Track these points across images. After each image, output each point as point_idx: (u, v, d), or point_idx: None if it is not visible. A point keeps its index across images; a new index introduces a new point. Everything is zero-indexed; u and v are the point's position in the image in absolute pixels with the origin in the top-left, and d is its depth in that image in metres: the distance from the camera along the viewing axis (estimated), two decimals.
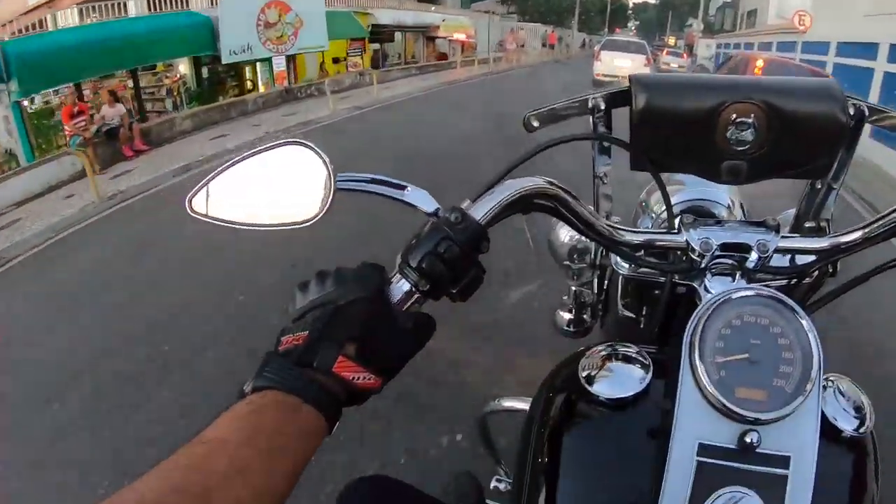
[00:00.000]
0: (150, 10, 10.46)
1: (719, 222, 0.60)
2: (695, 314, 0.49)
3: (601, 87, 0.80)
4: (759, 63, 7.20)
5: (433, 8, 20.88)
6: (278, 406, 0.39)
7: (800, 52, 12.28)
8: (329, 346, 0.42)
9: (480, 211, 0.50)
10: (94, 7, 9.89)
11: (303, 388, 0.40)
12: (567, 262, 0.92)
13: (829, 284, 0.64)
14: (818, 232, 0.69)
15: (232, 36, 10.82)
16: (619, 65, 13.70)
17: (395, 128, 8.64)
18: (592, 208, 0.64)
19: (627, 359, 0.56)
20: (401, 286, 0.48)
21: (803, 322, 0.47)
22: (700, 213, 0.84)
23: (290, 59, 13.16)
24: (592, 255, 0.89)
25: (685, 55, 26.75)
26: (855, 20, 9.41)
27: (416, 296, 0.48)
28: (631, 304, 0.83)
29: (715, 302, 0.49)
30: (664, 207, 0.71)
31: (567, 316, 1.00)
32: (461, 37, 20.60)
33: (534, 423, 0.60)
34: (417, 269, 0.47)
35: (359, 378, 0.42)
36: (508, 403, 0.95)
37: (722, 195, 0.91)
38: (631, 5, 72.16)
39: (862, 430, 0.51)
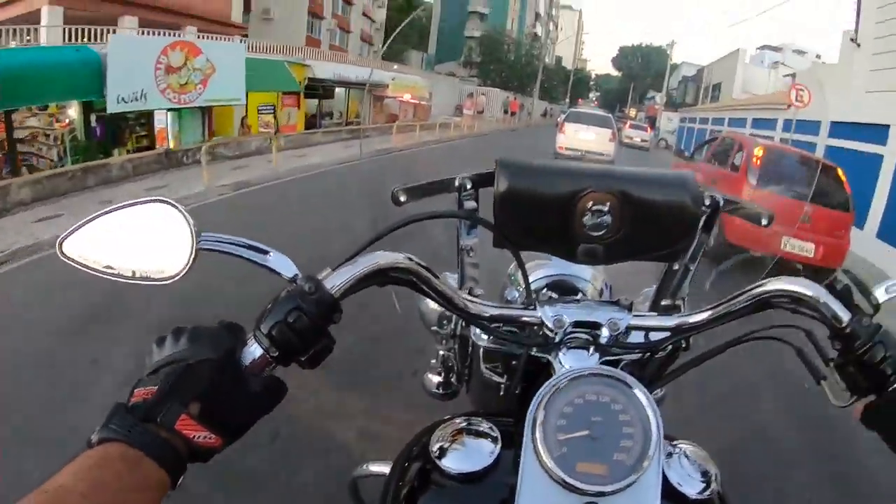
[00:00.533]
0: (66, 40, 9.39)
1: (574, 300, 0.64)
2: (539, 393, 0.51)
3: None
4: (758, 152, 5.36)
5: (395, 66, 19.64)
6: (122, 459, 0.40)
7: (780, 129, 11.18)
8: (174, 403, 0.43)
9: (336, 282, 0.51)
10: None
11: (146, 442, 0.41)
12: (434, 328, 0.92)
13: (685, 356, 0.66)
14: (673, 310, 0.74)
15: (122, 79, 8.93)
16: (584, 138, 12.86)
17: (270, 219, 6.21)
18: (451, 282, 0.75)
19: (478, 432, 0.57)
20: (253, 350, 0.49)
21: (642, 398, 0.50)
22: (563, 289, 0.90)
23: (206, 112, 11.20)
24: (453, 326, 0.89)
25: (649, 129, 26.38)
26: (852, 96, 8.13)
27: (267, 360, 0.49)
28: (493, 372, 0.78)
29: (557, 382, 0.52)
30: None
31: (436, 379, 1.01)
32: (409, 98, 18.38)
33: (388, 495, 0.60)
34: (268, 336, 0.48)
35: (199, 437, 0.44)
36: (376, 468, 0.94)
37: (586, 272, 0.96)
38: (593, 76, 74.63)
39: (707, 493, 0.54)
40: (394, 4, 32.85)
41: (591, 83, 71.65)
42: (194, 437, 0.43)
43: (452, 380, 1.01)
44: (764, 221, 0.78)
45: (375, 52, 32.07)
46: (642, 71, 61.28)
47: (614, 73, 73.10)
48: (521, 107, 34.23)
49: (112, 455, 0.40)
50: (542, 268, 0.95)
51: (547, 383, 0.52)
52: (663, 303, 0.76)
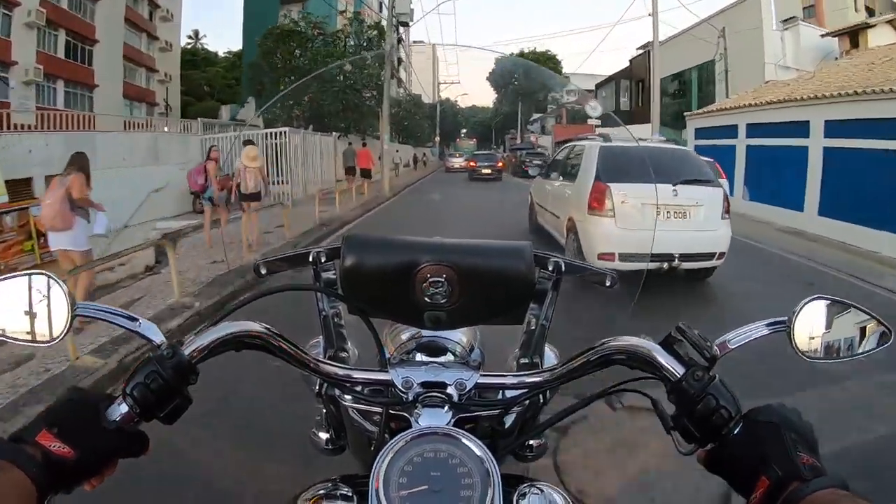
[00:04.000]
0: None
1: (427, 362, 0.75)
2: (380, 455, 0.55)
3: None
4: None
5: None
6: None
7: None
8: (38, 422, 0.52)
9: (193, 346, 0.58)
10: None
11: (8, 451, 0.48)
12: (312, 388, 0.90)
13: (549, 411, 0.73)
14: (532, 367, 0.79)
15: None
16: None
17: None
18: (312, 346, 0.84)
19: (336, 495, 0.61)
20: (120, 406, 0.55)
21: (479, 452, 0.55)
22: (432, 350, 0.89)
23: None
24: (316, 388, 0.86)
25: (500, 163, 25.79)
26: None
27: (131, 415, 0.55)
28: (364, 426, 0.81)
29: (398, 442, 0.56)
30: (398, 342, 0.92)
31: (323, 435, 1.00)
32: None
33: None
34: (131, 395, 0.54)
35: (55, 447, 0.50)
36: None
37: (455, 334, 0.94)
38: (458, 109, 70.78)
39: None
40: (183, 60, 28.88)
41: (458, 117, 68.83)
42: (51, 446, 0.50)
43: (335, 436, 0.99)
44: (608, 283, 0.80)
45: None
46: (528, 83, 49.37)
47: (480, 104, 71.57)
48: (377, 159, 17.91)
49: None
50: (412, 329, 0.95)
51: (386, 445, 0.56)
52: (522, 360, 0.80)
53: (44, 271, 0.57)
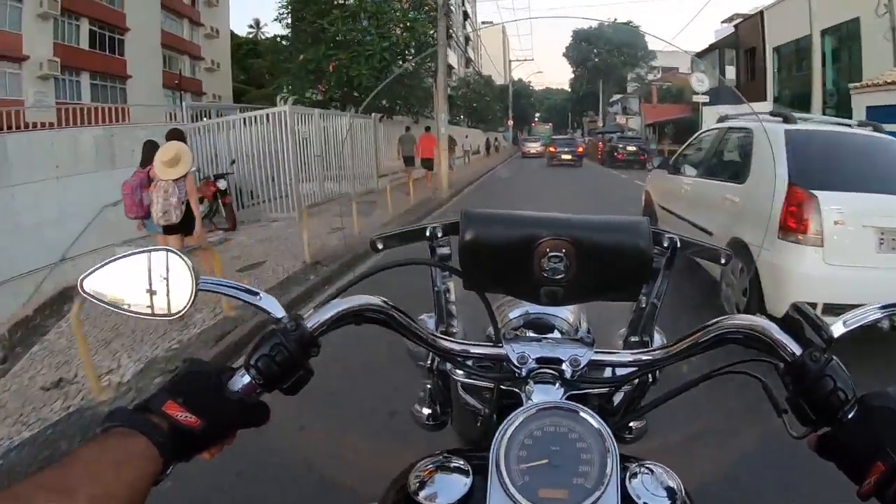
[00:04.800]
0: None
1: (541, 338, 0.70)
2: (500, 428, 0.56)
3: None
4: None
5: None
6: (118, 437, 0.48)
7: None
8: (163, 394, 0.53)
9: (316, 320, 0.59)
10: None
11: (136, 421, 0.49)
12: (420, 363, 0.94)
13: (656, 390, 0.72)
14: (640, 346, 0.80)
15: None
16: None
17: None
18: (430, 322, 0.86)
19: (451, 468, 0.60)
20: (242, 377, 0.56)
21: (598, 427, 0.55)
22: (539, 327, 0.91)
23: None
24: (429, 362, 0.90)
25: (580, 149, 24.37)
26: None
27: (254, 386, 0.56)
28: (472, 403, 0.85)
29: (516, 416, 0.56)
30: (505, 320, 0.94)
31: (425, 411, 1.04)
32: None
33: None
34: (254, 366, 0.56)
35: (181, 416, 0.52)
36: None
37: (562, 311, 0.96)
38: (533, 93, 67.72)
39: None
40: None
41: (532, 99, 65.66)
42: (178, 416, 0.51)
43: (439, 411, 1.03)
44: (723, 260, 0.80)
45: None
46: (609, 58, 43.43)
47: (555, 86, 67.98)
48: (453, 143, 15.66)
49: (111, 435, 0.48)
50: (520, 307, 0.97)
51: (507, 419, 0.57)
52: (632, 339, 0.81)
53: (168, 247, 0.59)
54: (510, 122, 46.25)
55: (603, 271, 0.66)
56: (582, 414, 0.56)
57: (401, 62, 15.01)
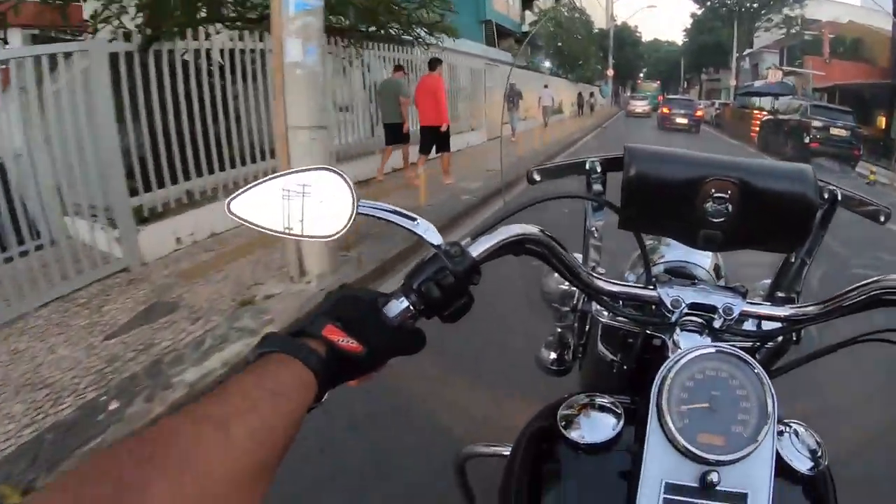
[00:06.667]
0: None
1: (692, 283, 0.66)
2: (664, 367, 0.54)
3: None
4: None
5: None
6: (275, 361, 0.46)
7: None
8: (322, 317, 0.51)
9: (477, 248, 0.56)
10: None
11: (294, 347, 0.48)
12: (555, 305, 0.96)
13: (795, 352, 0.69)
14: (787, 302, 0.73)
15: None
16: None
17: None
18: (579, 258, 0.76)
19: (602, 408, 0.60)
20: (400, 302, 0.53)
21: (759, 376, 0.53)
22: (681, 274, 0.89)
23: None
24: (575, 301, 0.93)
25: (699, 112, 20.36)
26: None
27: (411, 312, 0.53)
28: (608, 349, 0.85)
29: (681, 357, 0.54)
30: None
31: (551, 355, 1.03)
32: None
33: (514, 466, 0.64)
34: (416, 290, 0.53)
35: (343, 341, 0.50)
36: (486, 449, 1.00)
37: (704, 259, 0.94)
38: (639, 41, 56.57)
39: (816, 471, 0.55)
40: None
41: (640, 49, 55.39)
42: (339, 340, 0.49)
43: (567, 356, 1.03)
44: (882, 218, 0.75)
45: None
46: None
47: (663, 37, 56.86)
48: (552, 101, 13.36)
49: (268, 360, 0.46)
50: (664, 252, 0.95)
51: (672, 356, 0.55)
52: (778, 294, 0.76)
53: (332, 167, 0.56)
54: (610, 73, 37.66)
55: (764, 218, 0.62)
56: (747, 361, 0.54)
57: None
